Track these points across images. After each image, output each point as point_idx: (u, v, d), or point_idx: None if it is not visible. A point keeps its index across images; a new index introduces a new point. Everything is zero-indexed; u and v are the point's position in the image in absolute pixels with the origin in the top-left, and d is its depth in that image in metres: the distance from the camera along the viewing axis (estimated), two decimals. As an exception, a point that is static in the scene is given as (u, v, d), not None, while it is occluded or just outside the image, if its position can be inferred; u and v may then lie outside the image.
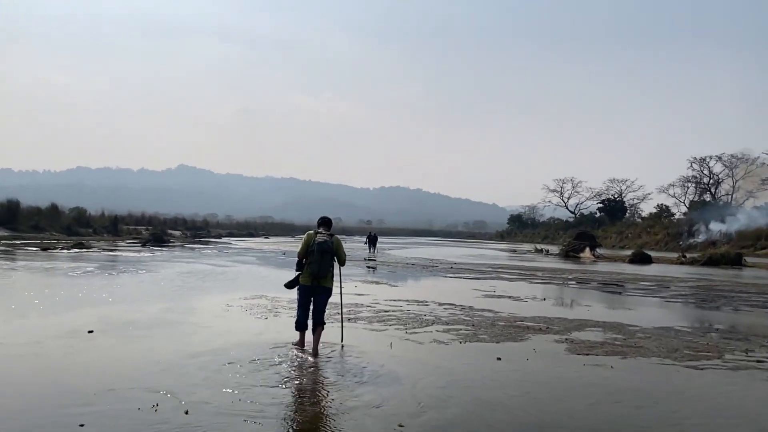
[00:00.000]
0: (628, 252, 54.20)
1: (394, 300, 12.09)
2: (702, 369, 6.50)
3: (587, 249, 41.75)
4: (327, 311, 7.31)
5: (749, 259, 36.22)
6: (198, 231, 69.97)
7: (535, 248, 53.70)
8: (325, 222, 7.31)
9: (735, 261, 33.99)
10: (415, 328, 8.74)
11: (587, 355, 7.09)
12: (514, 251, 52.46)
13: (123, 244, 39.44)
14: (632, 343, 7.95)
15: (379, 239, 48.94)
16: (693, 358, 7.07)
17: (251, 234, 79.99)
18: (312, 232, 7.14)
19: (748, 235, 54.85)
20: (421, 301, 11.96)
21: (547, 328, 9.01)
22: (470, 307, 11.24)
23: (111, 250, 30.21)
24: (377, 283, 16.13)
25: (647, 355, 7.15)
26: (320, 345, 6.92)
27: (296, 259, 7.11)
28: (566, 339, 8.11)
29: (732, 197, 76.84)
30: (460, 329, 8.66)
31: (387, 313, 10.12)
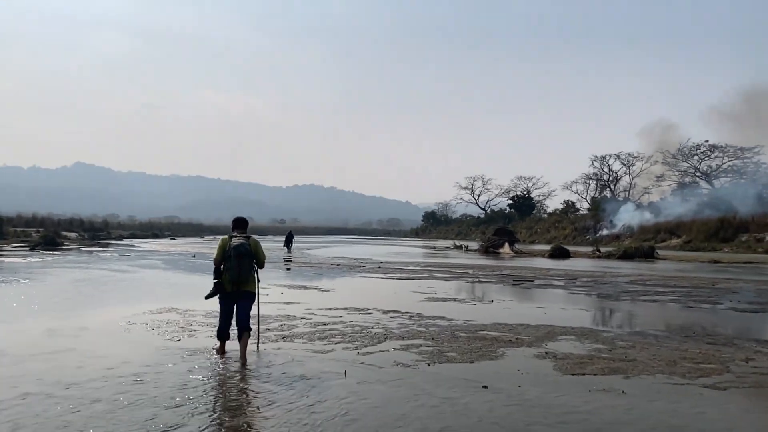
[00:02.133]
0: (541, 246, 55.60)
1: (331, 308, 10.53)
2: (723, 389, 5.46)
3: (506, 244, 41.89)
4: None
5: (659, 252, 37.50)
6: (97, 233, 64.81)
7: (454, 245, 53.63)
8: (239, 224, 6.90)
9: (648, 254, 35.02)
10: (366, 345, 7.25)
11: (583, 375, 5.90)
12: (434, 248, 52.10)
13: (8, 248, 35.11)
14: (621, 355, 6.88)
15: (295, 238, 46.97)
16: (701, 372, 6.06)
17: (156, 235, 75.17)
18: (226, 236, 6.73)
19: (649, 229, 57.73)
20: (363, 309, 10.47)
21: (516, 338, 7.81)
22: (419, 315, 9.89)
23: (-11, 256, 26.48)
24: (305, 287, 14.47)
25: (649, 371, 6.05)
26: (247, 352, 6.49)
27: (210, 262, 6.71)
28: (546, 353, 6.92)
29: (630, 193, 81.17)
30: (420, 345, 7.26)
31: (327, 327, 8.56)
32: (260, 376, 5.74)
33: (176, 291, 13.85)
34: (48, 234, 45.09)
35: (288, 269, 21.83)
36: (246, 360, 6.35)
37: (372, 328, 8.51)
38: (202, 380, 5.58)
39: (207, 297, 6.69)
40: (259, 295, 7.29)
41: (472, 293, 13.98)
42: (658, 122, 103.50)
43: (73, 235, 56.38)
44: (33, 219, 62.74)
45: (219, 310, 6.65)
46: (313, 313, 9.91)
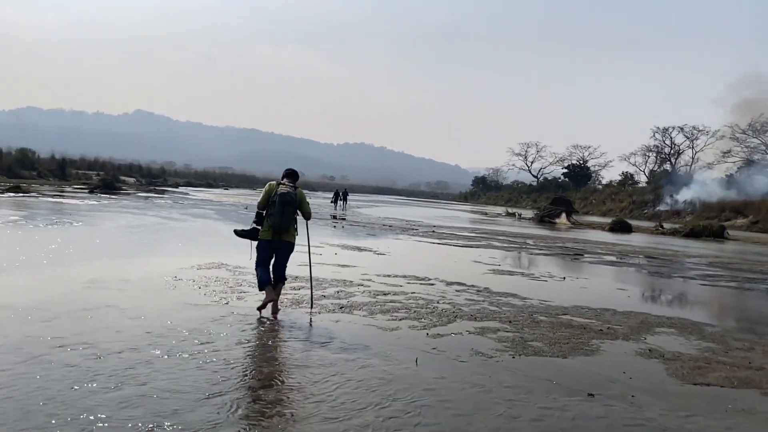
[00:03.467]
0: (597, 219, 53.40)
1: (389, 275, 9.66)
2: None
3: (563, 214, 40.11)
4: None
5: (729, 232, 35.10)
6: (154, 179, 66.02)
7: (507, 212, 52.00)
8: (289, 174, 6.80)
9: (718, 233, 32.81)
10: (435, 324, 6.35)
11: (707, 385, 4.84)
12: (485, 214, 50.65)
13: (69, 189, 35.84)
14: (743, 360, 5.75)
15: (349, 195, 46.47)
16: None
17: (210, 185, 76.25)
18: (274, 182, 6.61)
19: (713, 206, 54.47)
20: (423, 279, 9.56)
21: (608, 328, 6.75)
22: (487, 290, 8.91)
23: (52, 196, 26.86)
24: (359, 249, 13.66)
25: (790, 386, 4.93)
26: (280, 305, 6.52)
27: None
28: (650, 350, 5.85)
29: (691, 168, 77.13)
30: (498, 330, 6.30)
31: (388, 298, 7.69)
32: (316, 359, 4.92)
33: (227, 245, 13.26)
34: (107, 178, 45.99)
35: (339, 227, 21.12)
36: (278, 309, 6.35)
37: (438, 302, 7.60)
38: (249, 358, 4.82)
39: (237, 233, 6.66)
40: (311, 253, 7.22)
41: (538, 267, 12.87)
42: (748, 79, 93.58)
43: (131, 180, 57.53)
44: (95, 162, 64.22)
45: (256, 258, 6.45)
46: (370, 280, 9.07)
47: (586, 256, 16.43)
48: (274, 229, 6.31)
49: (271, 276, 6.43)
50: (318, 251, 12.36)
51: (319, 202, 46.59)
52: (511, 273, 11.23)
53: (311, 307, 6.73)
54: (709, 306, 9.78)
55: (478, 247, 16.66)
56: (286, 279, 6.58)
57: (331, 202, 44.15)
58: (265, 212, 6.43)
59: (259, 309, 6.30)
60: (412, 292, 8.18)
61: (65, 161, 53.46)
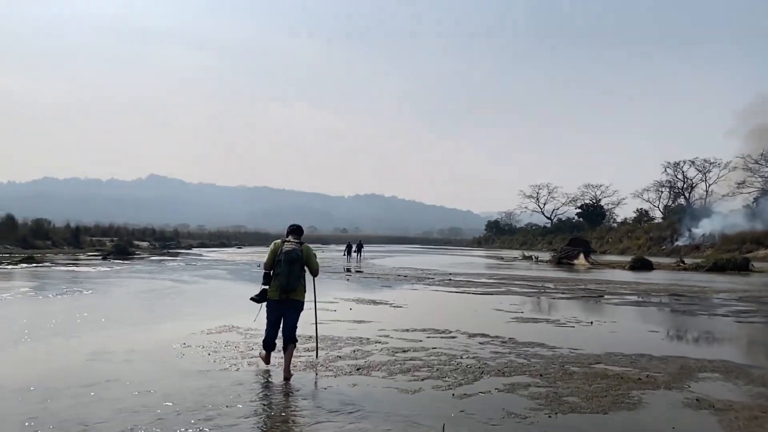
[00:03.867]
0: (615, 257, 52.44)
1: (408, 330, 9.23)
2: None
3: (581, 255, 39.37)
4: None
5: (754, 264, 34.15)
6: (167, 242, 66.19)
7: (524, 255, 51.23)
8: (294, 230, 6.64)
9: (742, 266, 31.88)
10: (460, 383, 5.90)
11: (770, 439, 4.34)
12: (501, 259, 49.95)
13: (82, 257, 35.88)
14: (801, 406, 5.22)
15: (364, 247, 46.06)
16: None
17: (224, 244, 76.33)
18: (279, 240, 6.47)
19: (733, 239, 53.43)
20: (444, 331, 9.12)
21: (647, 376, 6.25)
22: (512, 340, 8.44)
23: (65, 265, 26.79)
24: (374, 302, 13.24)
25: None
26: (293, 366, 6.28)
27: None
28: (698, 400, 5.36)
29: (706, 201, 76.41)
30: (529, 385, 5.84)
31: (408, 355, 7.26)
32: None
33: (238, 306, 12.94)
34: (120, 243, 46.13)
35: (353, 280, 20.71)
36: (290, 374, 6.06)
37: (461, 357, 7.15)
38: (263, 432, 4.40)
39: (252, 299, 6.46)
40: (317, 308, 7.07)
41: (562, 312, 12.33)
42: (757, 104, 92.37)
43: (144, 244, 57.70)
44: (109, 228, 64.64)
45: (266, 319, 6.35)
46: (388, 336, 8.65)
47: (609, 297, 15.84)
48: (282, 289, 6.16)
49: (280, 338, 6.26)
50: (332, 307, 11.97)
51: (332, 255, 46.31)
52: (535, 320, 10.73)
53: (316, 356, 6.84)
54: (748, 345, 9.21)
55: (497, 293, 16.16)
56: (296, 340, 6.32)
57: (344, 254, 43.86)
58: (272, 272, 6.28)
59: (264, 360, 6.40)
60: (433, 348, 7.74)
61: (79, 229, 53.85)
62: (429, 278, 21.89)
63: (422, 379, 6.02)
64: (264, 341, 6.34)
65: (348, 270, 27.50)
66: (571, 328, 9.87)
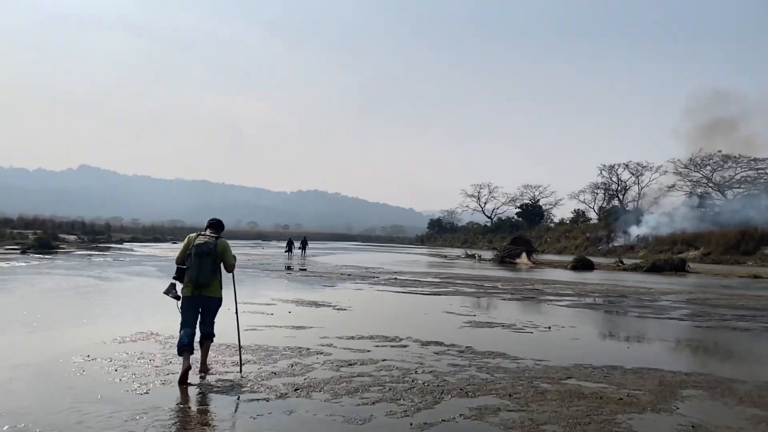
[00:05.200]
0: (554, 257, 53.15)
1: (353, 337, 8.23)
2: None
3: (524, 254, 39.47)
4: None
5: (690, 265, 35.04)
6: (97, 236, 62.56)
7: (466, 254, 51.17)
8: (213, 224, 6.28)
9: (679, 267, 32.60)
10: (419, 407, 4.95)
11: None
12: (445, 257, 49.71)
13: (0, 250, 32.97)
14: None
15: (296, 243, 44.54)
16: None
17: (158, 239, 72.97)
18: (194, 234, 6.16)
19: (665, 240, 55.33)
20: (394, 339, 8.18)
21: (628, 395, 5.50)
22: (470, 349, 7.58)
23: (-29, 260, 24.29)
24: (316, 304, 12.16)
25: None
26: (209, 360, 6.11)
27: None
28: (692, 425, 4.63)
29: (638, 203, 79.32)
30: (498, 409, 4.96)
31: (354, 369, 6.26)
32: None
33: (162, 306, 11.59)
34: (43, 237, 42.91)
35: (294, 278, 19.51)
36: (207, 368, 5.92)
37: (416, 372, 6.21)
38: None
39: (164, 292, 6.03)
40: (238, 311, 6.53)
41: (516, 315, 11.63)
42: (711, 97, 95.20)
43: (71, 237, 54.18)
44: (33, 221, 60.72)
45: (180, 317, 5.86)
46: (332, 344, 7.63)
47: (559, 298, 15.36)
48: (194, 284, 5.82)
49: (198, 334, 5.91)
50: (269, 310, 10.86)
51: (272, 252, 44.72)
52: (490, 325, 9.94)
53: (240, 372, 6.03)
54: (719, 354, 8.71)
55: (446, 294, 15.39)
56: (214, 335, 6.00)
57: (285, 251, 42.43)
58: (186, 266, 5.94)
59: (180, 383, 5.44)
60: (383, 360, 6.77)
61: (-3, 221, 50.08)
62: (374, 277, 20.97)
63: (373, 403, 5.05)
64: (178, 343, 5.71)
65: (288, 268, 26.25)
66: (529, 334, 9.13)
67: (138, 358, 6.48)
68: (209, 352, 6.14)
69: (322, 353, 7.06)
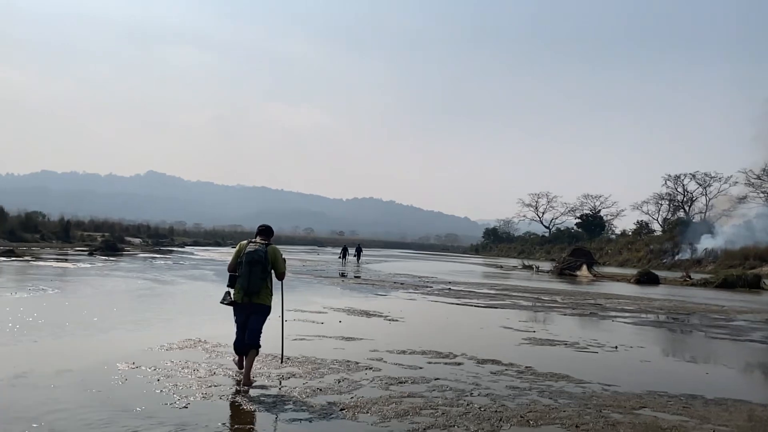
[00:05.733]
0: (614, 269, 50.99)
1: (405, 351, 7.83)
2: None
3: (584, 266, 38.00)
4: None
5: (766, 281, 32.78)
6: (160, 239, 64.78)
7: (523, 264, 49.83)
8: (263, 230, 6.34)
9: (753, 283, 30.52)
10: (474, 435, 4.50)
11: None
12: (500, 267, 48.61)
13: (70, 252, 34.41)
14: None
15: (350, 250, 44.51)
16: None
17: (218, 243, 74.93)
18: (245, 241, 6.20)
19: (735, 254, 52.25)
20: (448, 355, 7.72)
21: (713, 431, 4.86)
22: (530, 370, 7.04)
23: (46, 260, 25.32)
24: (367, 314, 11.83)
25: None
26: (253, 372, 5.99)
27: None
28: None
29: (705, 215, 75.61)
30: (564, 441, 4.45)
31: (404, 388, 5.86)
32: None
33: (213, 313, 11.55)
34: (109, 239, 44.58)
35: (347, 286, 19.27)
36: (250, 381, 5.78)
37: (471, 394, 5.75)
38: None
39: (221, 302, 6.14)
40: (284, 318, 6.87)
41: (578, 332, 10.93)
42: None
43: (136, 240, 56.25)
44: (103, 224, 63.20)
45: (234, 322, 6.10)
46: (382, 359, 7.25)
47: (623, 315, 14.46)
48: (244, 292, 5.87)
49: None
50: (319, 319, 10.60)
51: (326, 258, 44.91)
52: (551, 343, 9.32)
53: (281, 361, 6.64)
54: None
55: (502, 307, 14.77)
56: (260, 346, 5.97)
57: (339, 257, 42.52)
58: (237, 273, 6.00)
59: (245, 385, 5.71)
60: (435, 379, 6.33)
61: (69, 223, 52.25)
62: (427, 287, 20.49)
63: (424, 429, 4.62)
64: (234, 344, 6.06)
65: (342, 275, 26.12)
66: (594, 354, 8.48)
67: (182, 368, 6.29)
68: (254, 364, 6.01)
69: (371, 368, 6.69)
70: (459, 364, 7.23)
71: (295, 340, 8.13)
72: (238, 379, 5.91)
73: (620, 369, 7.42)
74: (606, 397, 5.88)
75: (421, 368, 6.85)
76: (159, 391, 5.37)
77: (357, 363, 6.92)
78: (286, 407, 5.06)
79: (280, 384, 5.83)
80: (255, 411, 4.90)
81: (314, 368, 6.55)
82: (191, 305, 12.64)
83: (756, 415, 5.49)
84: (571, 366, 7.37)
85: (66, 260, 26.01)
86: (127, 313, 10.59)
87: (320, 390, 5.62)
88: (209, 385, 5.64)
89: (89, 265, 23.34)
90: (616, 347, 9.15)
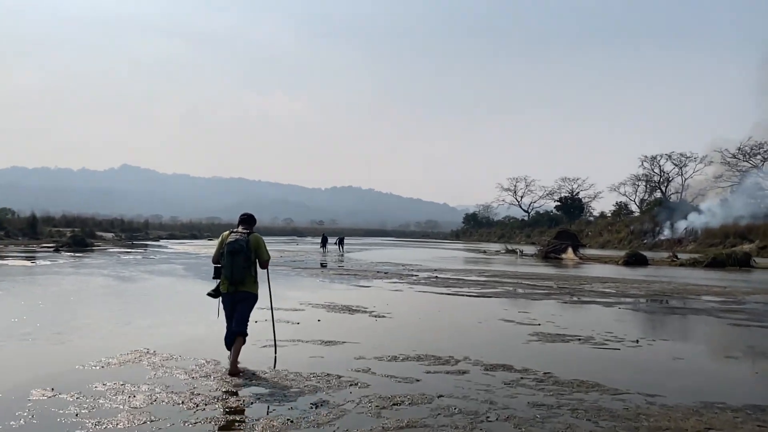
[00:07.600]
0: (597, 251, 50.35)
1: (397, 357, 6.52)
2: None
3: (570, 249, 37.19)
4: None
5: (756, 260, 32.18)
6: (134, 233, 62.70)
7: (506, 248, 48.87)
8: (244, 219, 6.24)
9: (743, 262, 29.89)
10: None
11: None
12: (484, 252, 47.66)
13: (34, 248, 32.43)
14: None
15: (331, 239, 43.15)
16: None
17: (194, 236, 72.96)
18: (227, 232, 6.11)
19: (715, 233, 52.22)
20: (448, 360, 6.42)
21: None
22: (550, 377, 5.76)
23: (5, 257, 23.49)
24: (350, 310, 10.49)
25: None
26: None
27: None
28: None
29: (682, 195, 76.05)
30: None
31: (401, 411, 4.55)
32: None
33: (175, 313, 10.12)
34: (78, 234, 42.56)
35: (327, 277, 17.88)
36: (237, 370, 5.65)
37: (487, 418, 4.45)
38: None
39: (208, 294, 6.14)
40: (273, 306, 6.82)
41: (588, 323, 9.72)
42: None
43: (109, 235, 54.10)
44: (75, 219, 60.95)
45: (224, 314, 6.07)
46: (369, 369, 5.93)
47: (628, 301, 13.36)
48: (230, 281, 5.84)
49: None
50: (295, 317, 9.26)
51: (306, 248, 43.47)
52: (562, 338, 8.09)
53: (274, 367, 6.04)
54: None
55: (495, 296, 13.56)
56: (246, 334, 5.91)
57: (320, 247, 41.20)
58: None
59: (231, 375, 5.58)
60: (438, 396, 5.02)
61: (36, 219, 49.92)
62: (412, 275, 19.23)
63: (434, 483, 3.32)
64: (225, 338, 5.94)
65: (323, 265, 24.76)
66: (615, 351, 7.27)
67: (115, 393, 4.91)
68: (240, 353, 5.84)
69: (356, 383, 5.37)
70: (463, 372, 5.94)
71: (265, 346, 6.79)
72: (184, 403, 4.55)
73: (654, 371, 6.21)
74: (656, 414, 4.64)
75: (418, 381, 5.55)
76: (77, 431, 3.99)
77: (339, 377, 5.59)
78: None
79: (241, 415, 4.48)
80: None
81: (285, 387, 5.22)
82: (149, 305, 11.17)
83: None
84: (596, 370, 6.14)
85: (29, 257, 24.23)
86: (68, 318, 9.10)
87: (291, 423, 4.27)
88: (143, 420, 4.27)
89: (49, 263, 21.65)
90: (638, 341, 7.96)
